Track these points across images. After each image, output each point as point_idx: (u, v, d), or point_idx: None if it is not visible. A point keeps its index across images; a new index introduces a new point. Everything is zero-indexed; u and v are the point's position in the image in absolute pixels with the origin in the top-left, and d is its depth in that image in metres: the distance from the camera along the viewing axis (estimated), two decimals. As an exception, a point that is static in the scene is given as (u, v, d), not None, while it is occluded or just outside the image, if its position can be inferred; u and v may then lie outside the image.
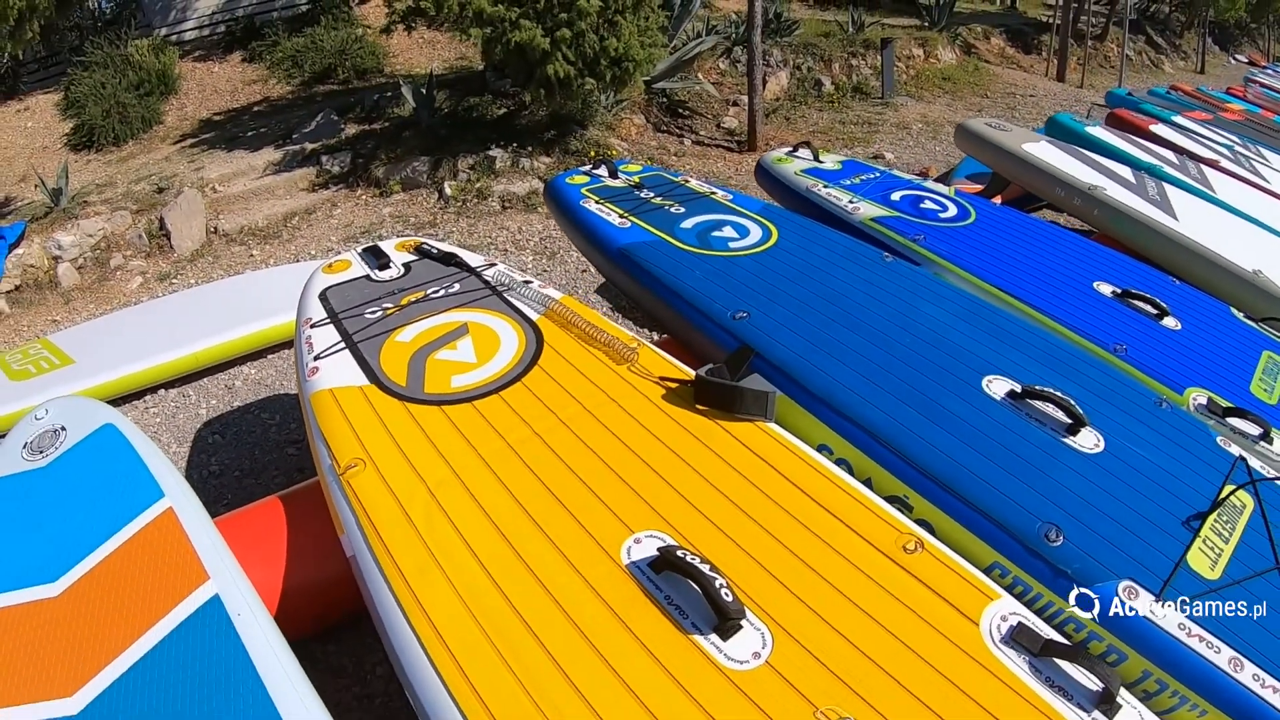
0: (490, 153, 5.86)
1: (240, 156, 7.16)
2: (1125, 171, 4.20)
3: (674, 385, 2.00)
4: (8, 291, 5.71)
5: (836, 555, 1.56)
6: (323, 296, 2.45)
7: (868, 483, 1.85)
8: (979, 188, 4.99)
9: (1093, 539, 1.69)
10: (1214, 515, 1.79)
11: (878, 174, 3.64)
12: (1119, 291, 2.85)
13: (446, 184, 5.83)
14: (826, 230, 2.98)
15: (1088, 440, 1.97)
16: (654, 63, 5.68)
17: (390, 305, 2.38)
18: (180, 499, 1.84)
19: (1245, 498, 1.87)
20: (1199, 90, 9.31)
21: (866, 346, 2.24)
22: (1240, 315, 2.93)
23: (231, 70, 9.61)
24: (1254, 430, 2.22)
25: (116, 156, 8.17)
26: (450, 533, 1.60)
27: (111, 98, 8.42)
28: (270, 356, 4.08)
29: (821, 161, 3.71)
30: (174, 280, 5.69)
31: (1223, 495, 1.84)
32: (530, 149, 5.87)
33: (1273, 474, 1.98)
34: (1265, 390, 2.48)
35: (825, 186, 3.37)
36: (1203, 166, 4.91)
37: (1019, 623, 1.44)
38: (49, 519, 1.87)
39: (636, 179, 3.29)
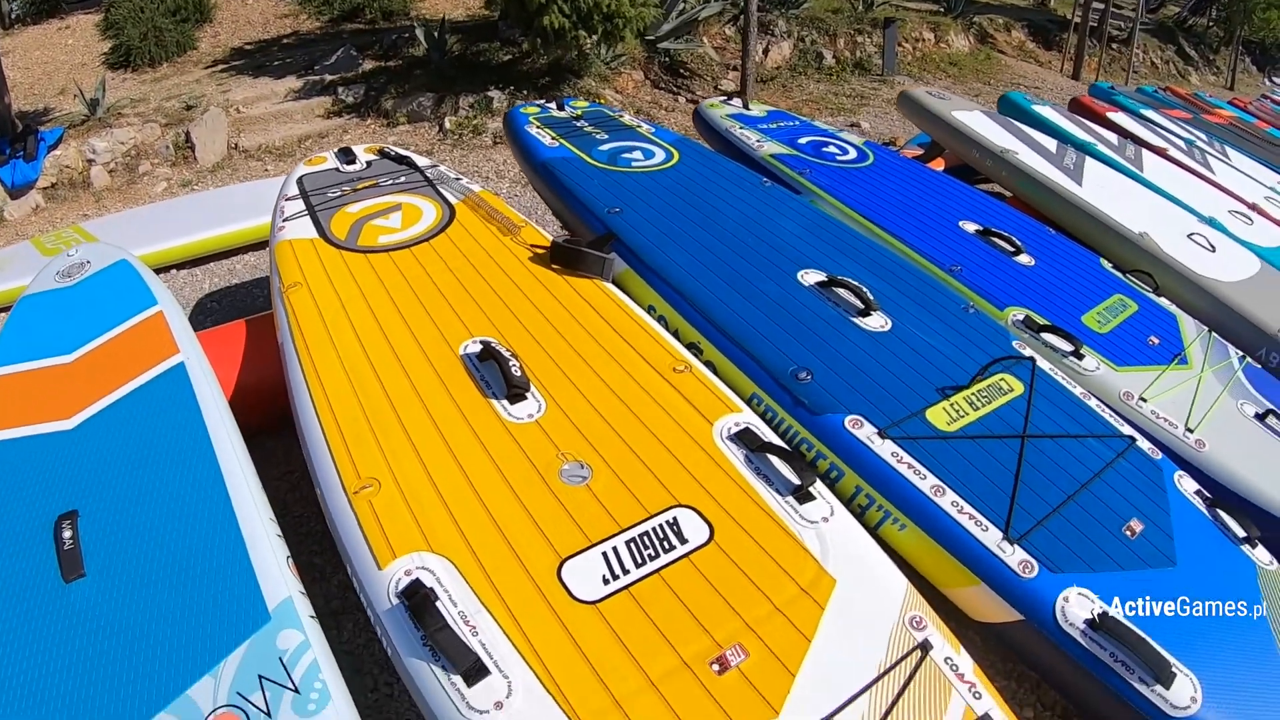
0: (490, 94, 6.33)
1: (265, 83, 7.65)
2: (1050, 144, 4.61)
3: (541, 251, 2.61)
4: (45, 188, 6.22)
5: (616, 365, 2.14)
6: (299, 181, 3.08)
7: (675, 334, 2.37)
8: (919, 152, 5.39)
9: (839, 384, 2.17)
10: (973, 389, 2.25)
11: (797, 123, 4.14)
12: (981, 230, 3.33)
13: (447, 119, 6.31)
14: (723, 160, 3.49)
15: (875, 322, 2.46)
16: (644, 21, 6.09)
17: (348, 188, 3.03)
18: (169, 307, 2.44)
19: (1015, 383, 2.33)
20: (1194, 95, 9.55)
21: (711, 241, 2.77)
22: (1108, 265, 3.36)
23: (265, 3, 10.09)
24: (1066, 346, 2.66)
25: (151, 77, 8.66)
26: (350, 333, 2.21)
27: (149, 21, 8.90)
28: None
29: (749, 109, 4.18)
30: (194, 186, 6.19)
31: (984, 374, 2.30)
32: (526, 93, 6.33)
33: (1058, 374, 2.46)
34: (1099, 322, 2.92)
35: (741, 128, 3.85)
36: (1143, 151, 5.29)
37: (746, 427, 1.95)
38: (71, 319, 2.48)
39: (579, 113, 3.82)
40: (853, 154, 3.88)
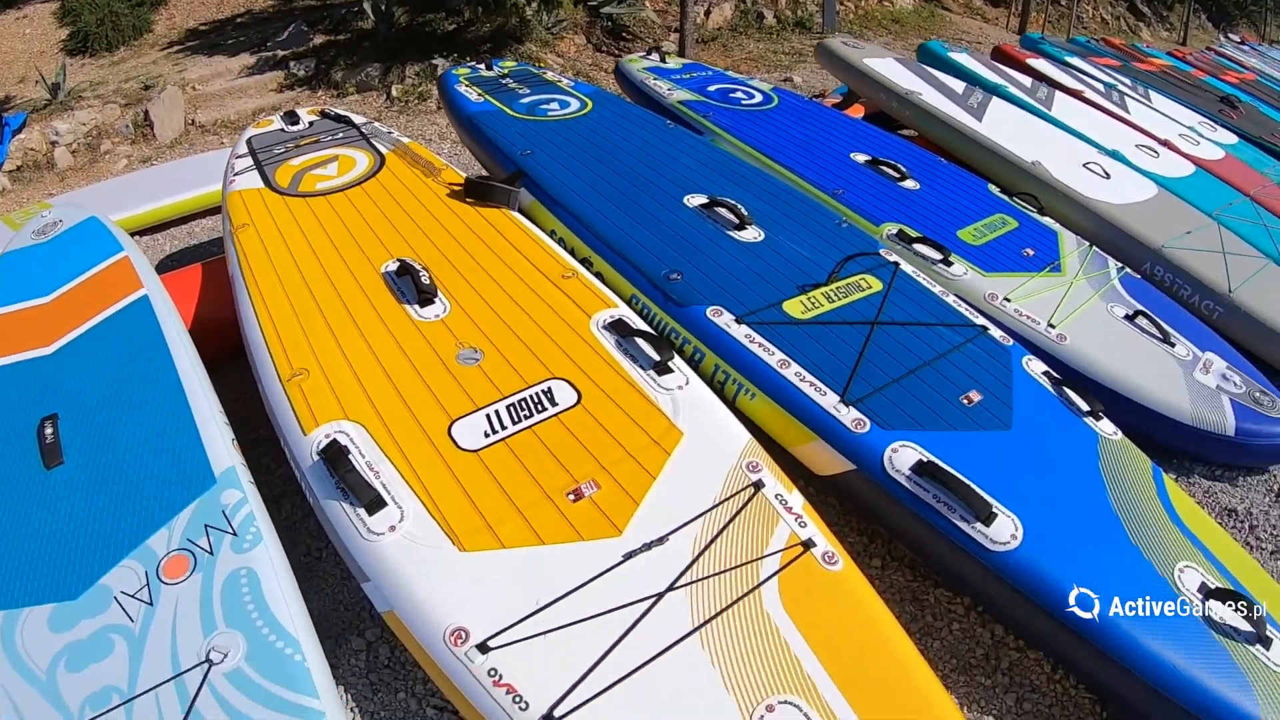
0: (434, 62, 6.59)
1: (219, 61, 7.86)
2: (959, 86, 4.88)
3: (457, 188, 2.96)
4: (10, 171, 6.45)
5: (513, 274, 2.51)
6: (249, 141, 3.40)
7: (571, 251, 2.72)
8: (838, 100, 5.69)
9: (705, 282, 2.52)
10: (830, 285, 2.59)
11: (709, 73, 4.46)
12: (870, 160, 3.65)
13: (394, 87, 6.57)
14: (634, 107, 3.81)
15: (749, 234, 2.80)
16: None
17: (291, 145, 3.35)
18: (134, 253, 2.77)
19: (875, 282, 2.65)
20: (1130, 46, 9.84)
21: (610, 175, 3.11)
22: (995, 190, 3.66)
23: (219, -17, 10.24)
24: (935, 255, 2.98)
25: (109, 61, 8.83)
26: (289, 261, 2.56)
27: (105, 7, 9.05)
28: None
29: (665, 62, 4.50)
30: (154, 162, 6.42)
31: (842, 271, 2.63)
32: (468, 60, 6.58)
33: (920, 277, 2.76)
34: (974, 236, 3.22)
35: (655, 79, 4.17)
36: (1056, 93, 5.55)
37: (619, 318, 2.31)
38: (48, 268, 2.80)
39: (505, 72, 4.13)
40: (758, 98, 4.20)
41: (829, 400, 2.13)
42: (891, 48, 9.37)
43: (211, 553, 1.72)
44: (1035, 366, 2.47)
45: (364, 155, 3.27)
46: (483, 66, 4.19)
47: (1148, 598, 1.86)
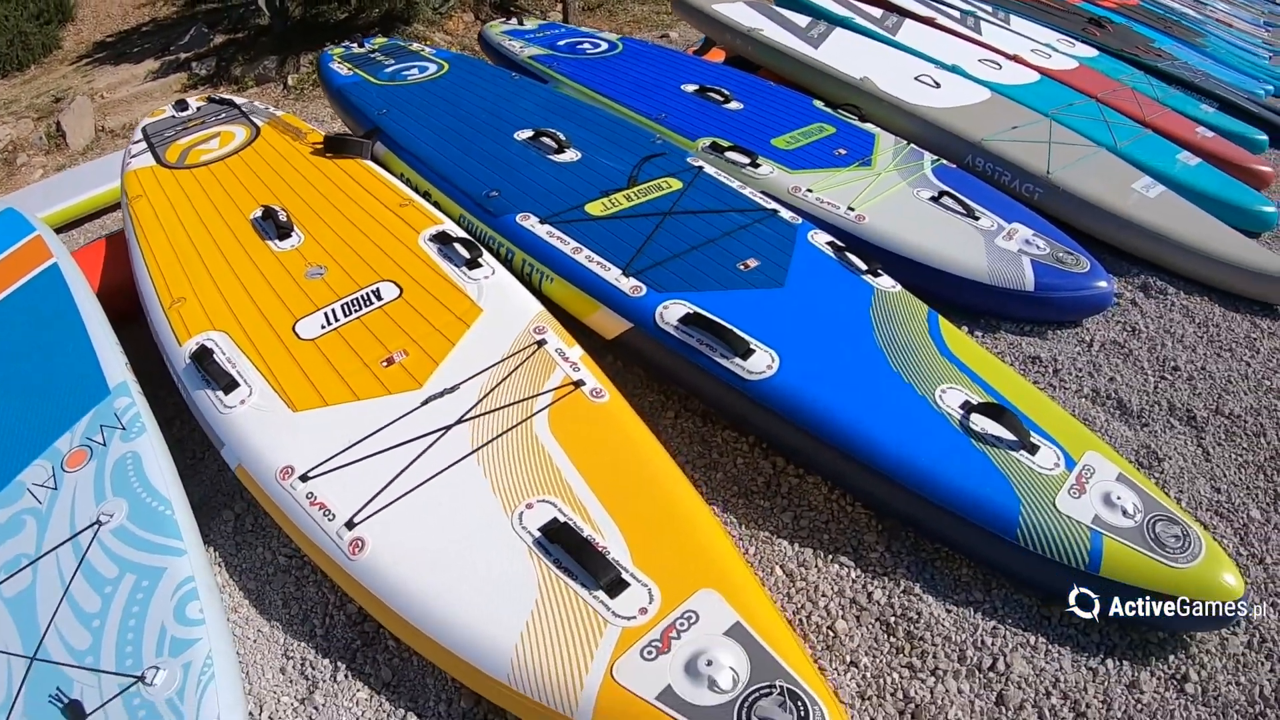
0: (326, 50, 6.93)
1: (126, 69, 8.14)
2: (803, 21, 5.22)
3: (319, 146, 3.38)
4: (-69, 191, 6.71)
5: (358, 207, 2.96)
6: (144, 130, 3.78)
7: (413, 187, 3.15)
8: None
9: (520, 196, 2.95)
10: (632, 189, 2.99)
11: (562, 30, 4.87)
12: (698, 88, 4.04)
13: (289, 77, 6.92)
14: (487, 66, 4.23)
15: (567, 156, 3.23)
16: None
17: (180, 128, 3.75)
18: (46, 234, 3.15)
19: (675, 183, 3.04)
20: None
21: (453, 123, 3.52)
22: (820, 104, 4.02)
23: (123, -4, 10.45)
24: (743, 159, 3.34)
25: (21, 80, 9.02)
26: (174, 219, 2.99)
27: (14, 28, 9.25)
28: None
29: (524, 25, 4.91)
30: (68, 168, 6.70)
31: (639, 174, 3.04)
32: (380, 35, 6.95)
33: (721, 176, 3.12)
34: (788, 143, 3.56)
35: (510, 40, 4.57)
36: (906, 20, 5.88)
37: (442, 230, 2.76)
38: None
39: (375, 47, 4.52)
40: (604, 47, 4.64)
41: (612, 274, 2.49)
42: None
43: (105, 444, 2.14)
44: (820, 238, 2.76)
45: (242, 129, 3.68)
46: (355, 45, 4.58)
47: (906, 412, 2.11)
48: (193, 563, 1.83)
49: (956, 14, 6.51)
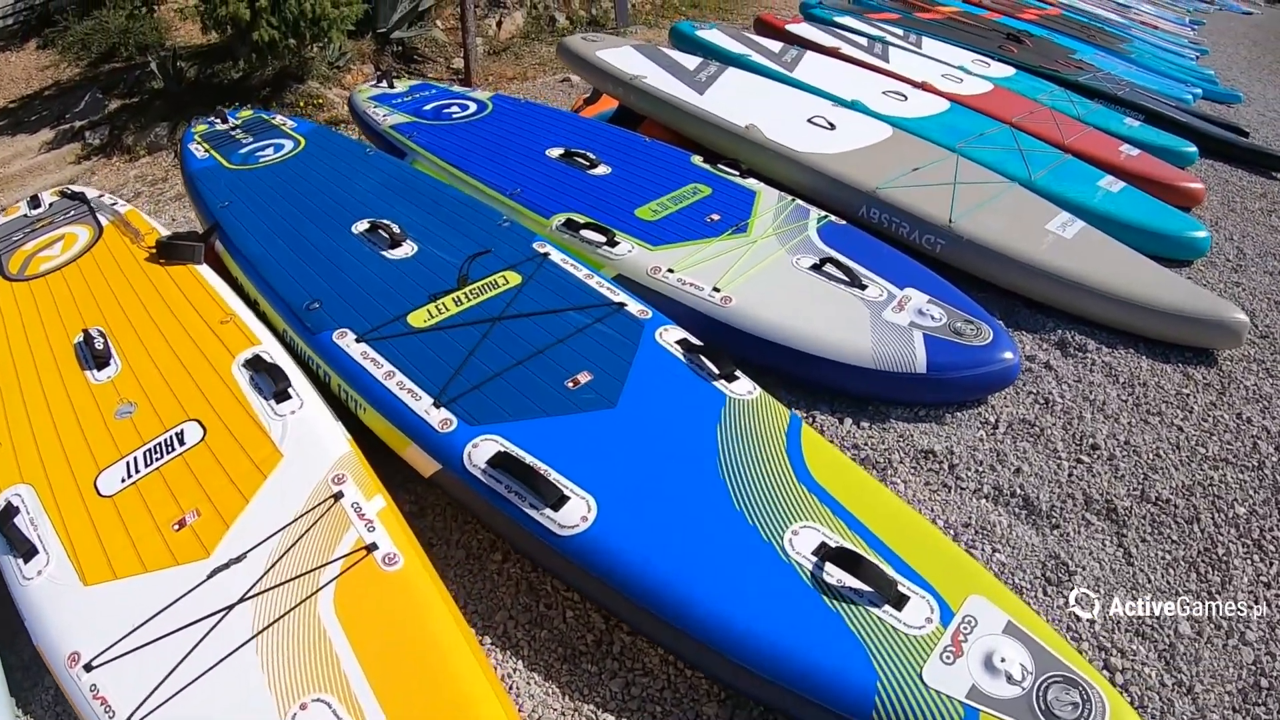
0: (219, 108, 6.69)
1: (21, 140, 7.84)
2: (691, 64, 4.98)
3: (153, 250, 3.16)
4: None
5: (180, 327, 2.74)
6: None
7: (245, 296, 2.92)
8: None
9: (340, 306, 2.71)
10: (464, 289, 2.74)
11: (433, 92, 4.66)
12: (563, 153, 3.80)
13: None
14: (342, 140, 4.00)
15: (401, 251, 2.99)
16: (350, 21, 6.50)
17: (29, 230, 3.54)
18: None
19: (514, 277, 2.80)
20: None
21: (292, 214, 3.29)
22: (698, 160, 3.79)
23: (27, 58, 10.12)
24: (598, 238, 3.10)
25: (-82, 150, 8.73)
26: (4, 349, 2.77)
27: (-87, 98, 8.94)
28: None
29: (393, 87, 4.69)
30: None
31: (468, 274, 2.79)
32: (248, 107, 6.70)
33: (567, 265, 2.86)
34: (653, 212, 3.31)
35: (375, 107, 4.35)
36: (806, 54, 5.69)
37: (255, 355, 2.53)
38: None
39: (239, 122, 4.27)
40: (472, 109, 4.41)
41: (423, 404, 2.25)
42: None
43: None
44: (670, 336, 2.51)
45: (86, 230, 3.46)
46: (219, 120, 4.33)
47: (746, 567, 1.84)
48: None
49: (863, 41, 6.37)
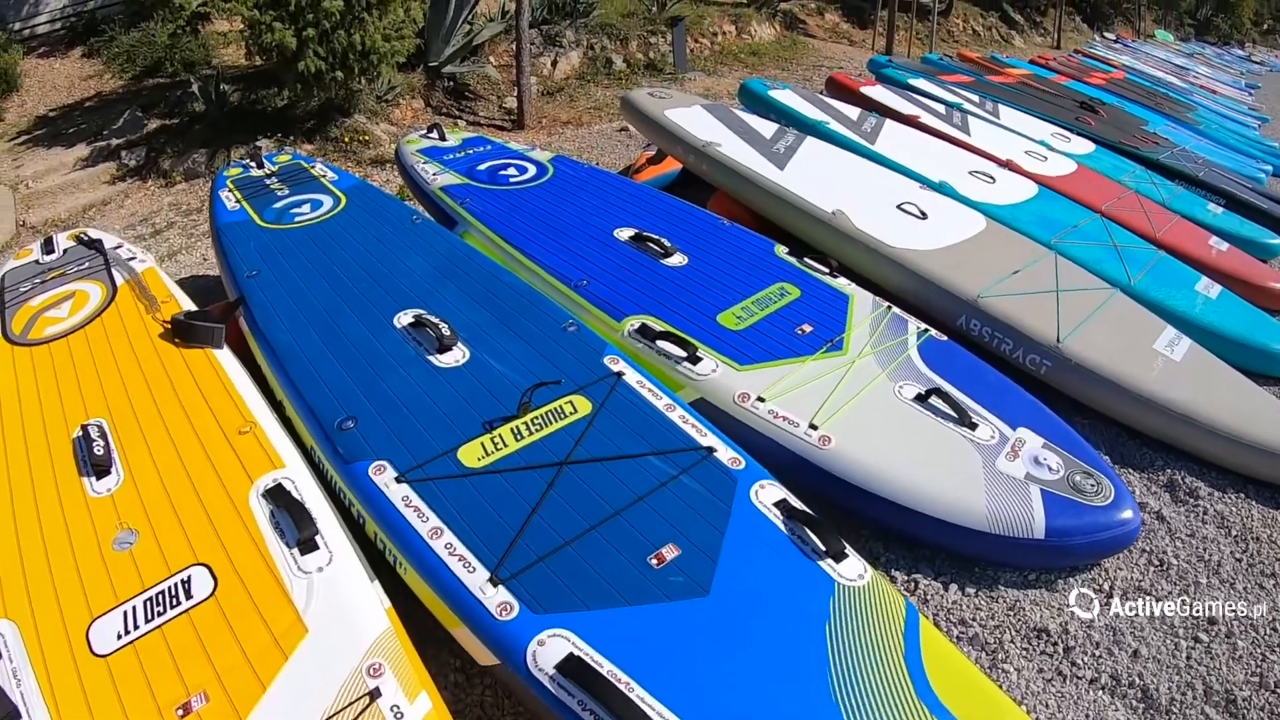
0: (258, 143, 6.37)
1: (56, 154, 7.58)
2: (768, 130, 4.59)
3: (168, 326, 2.76)
4: None
5: (193, 433, 2.34)
6: (3, 276, 3.23)
7: (270, 394, 2.50)
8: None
9: (378, 429, 2.27)
10: (524, 418, 2.28)
11: (487, 148, 4.24)
12: (634, 235, 3.36)
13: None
14: (387, 200, 3.60)
15: (451, 357, 2.55)
16: (401, 55, 6.19)
17: (39, 280, 3.17)
18: None
19: (583, 404, 2.36)
20: (989, 57, 9.89)
21: (326, 294, 2.88)
22: (783, 252, 3.35)
23: (71, 66, 9.94)
24: (679, 352, 2.65)
25: (-46, 154, 8.51)
26: None
27: (-47, 99, 8.74)
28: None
29: (445, 140, 4.29)
30: (-20, 269, 6.12)
31: (530, 400, 2.32)
32: (293, 138, 6.39)
33: (644, 389, 2.41)
34: (738, 318, 2.88)
35: (425, 162, 3.96)
36: (886, 122, 5.32)
37: (277, 484, 2.10)
38: None
39: (275, 169, 3.90)
40: (531, 172, 3.97)
41: (477, 579, 1.84)
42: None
43: None
44: (767, 496, 2.11)
45: (98, 289, 3.10)
46: (253, 164, 3.99)
47: None
48: None
49: (941, 109, 6.06)
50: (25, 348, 2.77)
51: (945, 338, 2.94)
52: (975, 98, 6.73)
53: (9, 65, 9.42)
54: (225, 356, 2.64)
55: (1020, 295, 3.26)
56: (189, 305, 2.96)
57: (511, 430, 2.26)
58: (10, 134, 8.77)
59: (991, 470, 2.36)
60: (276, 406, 2.47)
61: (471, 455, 2.18)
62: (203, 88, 6.94)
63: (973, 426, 2.49)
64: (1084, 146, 5.84)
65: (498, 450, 2.20)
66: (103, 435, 2.29)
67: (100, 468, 2.20)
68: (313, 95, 6.25)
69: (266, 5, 5.80)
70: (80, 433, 2.32)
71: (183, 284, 5.03)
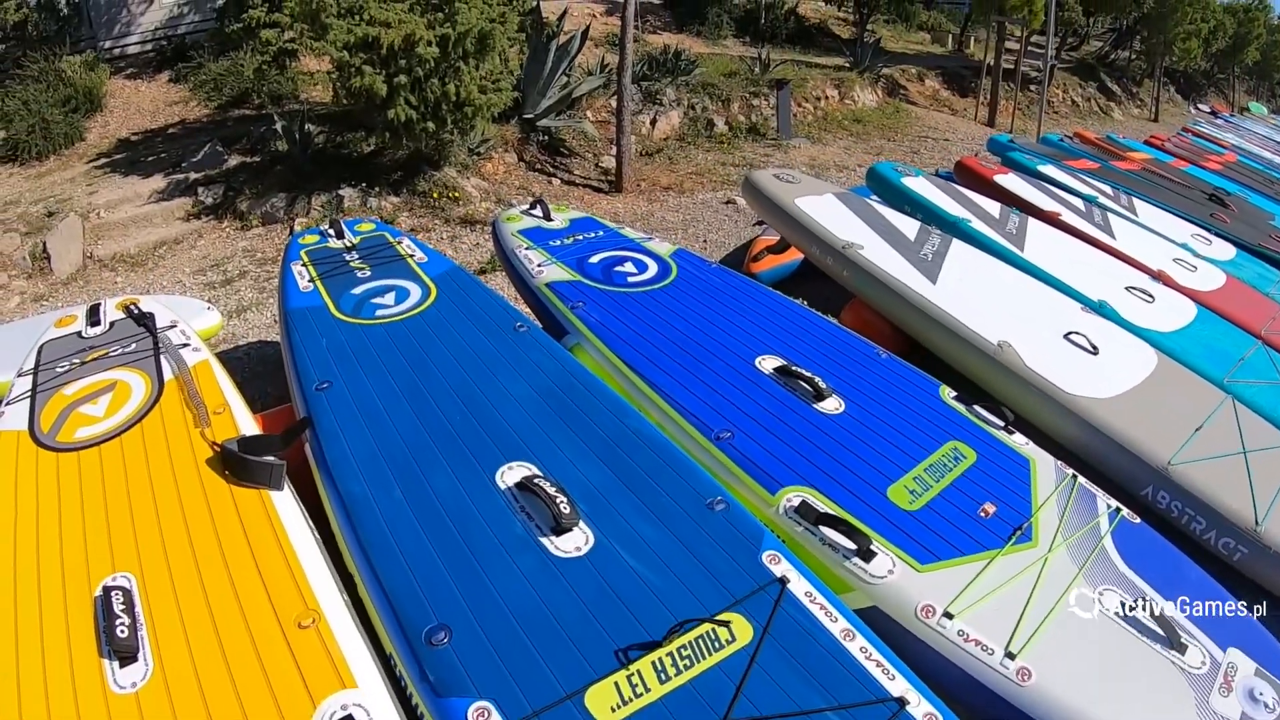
0: (341, 192, 6.00)
1: (132, 183, 7.33)
2: (911, 229, 4.09)
3: (218, 453, 2.25)
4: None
5: (240, 617, 1.80)
6: (40, 350, 2.81)
7: (343, 569, 1.96)
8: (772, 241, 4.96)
9: (480, 652, 1.70)
10: (669, 646, 1.73)
11: (599, 234, 3.66)
12: (780, 367, 2.75)
13: (298, 221, 5.98)
14: (486, 297, 3.04)
15: (570, 543, 1.97)
16: (496, 108, 5.79)
17: (78, 360, 2.73)
18: None
19: (742, 629, 1.79)
20: (1106, 138, 9.31)
21: (412, 427, 2.33)
22: (949, 396, 2.77)
23: (157, 90, 9.80)
24: (847, 544, 2.08)
25: (36, 171, 8.34)
26: (9, 567, 1.95)
27: (38, 113, 8.60)
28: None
29: (550, 220, 3.73)
30: (47, 301, 5.83)
31: (681, 629, 1.76)
32: (379, 189, 6.01)
33: (814, 603, 1.87)
34: (912, 493, 2.30)
35: (528, 247, 3.42)
36: (1029, 221, 4.84)
37: (349, 716, 1.57)
38: None
39: (357, 239, 3.43)
40: (652, 270, 3.38)
41: None
42: (851, 152, 8.82)
43: None
44: None
45: (143, 383, 2.63)
46: (332, 232, 3.52)
47: None
48: None
49: (1080, 204, 5.66)
50: (52, 452, 2.33)
51: (1138, 519, 2.41)
52: (1108, 189, 6.32)
53: (95, 84, 9.31)
54: (285, 503, 2.12)
55: (1209, 460, 2.76)
56: (245, 417, 2.47)
57: (654, 665, 1.69)
58: (90, 155, 8.61)
59: (1205, 710, 1.90)
60: (346, 579, 1.95)
61: (603, 701, 1.62)
62: (286, 127, 6.63)
63: (1183, 649, 1.99)
64: (1225, 251, 5.46)
65: (637, 697, 1.64)
66: (128, 605, 1.79)
67: (125, 654, 1.70)
68: (401, 144, 5.88)
69: (356, 47, 5.44)
70: (101, 594, 1.84)
71: (248, 350, 4.62)
